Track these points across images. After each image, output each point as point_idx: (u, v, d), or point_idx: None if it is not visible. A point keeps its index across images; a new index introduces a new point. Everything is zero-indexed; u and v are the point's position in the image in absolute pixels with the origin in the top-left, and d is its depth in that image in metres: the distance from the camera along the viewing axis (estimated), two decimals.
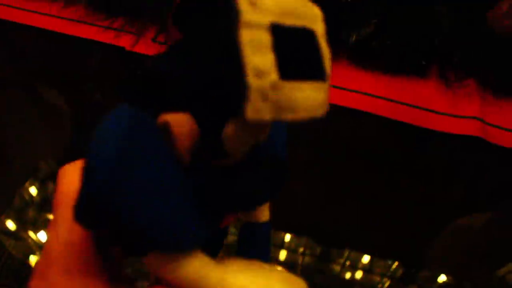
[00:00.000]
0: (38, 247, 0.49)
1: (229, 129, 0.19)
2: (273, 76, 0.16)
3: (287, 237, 0.50)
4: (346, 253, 0.49)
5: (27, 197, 0.54)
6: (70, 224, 0.21)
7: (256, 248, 0.25)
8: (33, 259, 0.47)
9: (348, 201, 0.54)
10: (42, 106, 0.66)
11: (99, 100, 0.66)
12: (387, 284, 0.47)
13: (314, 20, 0.19)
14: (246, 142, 0.20)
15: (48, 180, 0.56)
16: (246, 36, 0.16)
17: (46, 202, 0.53)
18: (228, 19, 0.16)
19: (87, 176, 0.17)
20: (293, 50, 0.17)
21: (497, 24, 0.50)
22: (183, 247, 0.20)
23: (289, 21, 0.17)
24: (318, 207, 0.53)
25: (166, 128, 0.19)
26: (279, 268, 0.26)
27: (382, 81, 0.59)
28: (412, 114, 0.56)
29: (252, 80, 0.16)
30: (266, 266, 0.24)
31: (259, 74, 0.16)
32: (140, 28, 0.69)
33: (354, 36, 0.57)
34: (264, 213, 0.28)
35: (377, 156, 0.56)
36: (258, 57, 0.16)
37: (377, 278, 0.47)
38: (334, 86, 0.59)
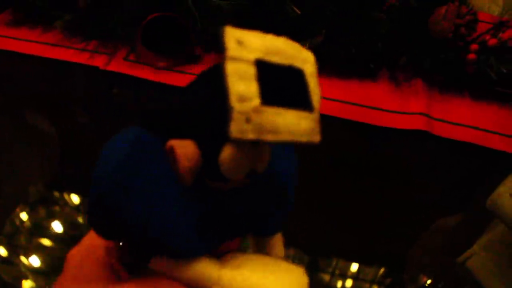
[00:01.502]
0: (30, 272, 0.49)
1: (224, 152, 0.20)
2: (256, 101, 0.17)
3: None
4: (334, 262, 0.47)
5: (17, 223, 0.54)
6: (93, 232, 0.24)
7: None
8: (25, 284, 0.47)
9: (321, 207, 0.53)
10: (28, 131, 0.65)
11: (84, 122, 0.65)
12: None
13: (303, 61, 0.20)
14: (242, 167, 0.21)
15: (39, 205, 0.56)
16: (231, 68, 0.17)
17: (36, 227, 0.53)
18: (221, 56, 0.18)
19: (94, 181, 0.19)
20: (277, 82, 0.19)
21: (436, 27, 0.48)
22: (184, 255, 0.21)
23: (275, 59, 0.19)
24: (295, 216, 0.52)
25: (170, 151, 0.20)
26: (281, 259, 0.25)
27: (336, 85, 0.58)
28: (365, 114, 0.56)
29: (235, 103, 0.17)
30: (267, 258, 0.25)
31: (242, 99, 0.17)
32: (112, 49, 0.68)
33: (307, 45, 0.56)
34: (277, 249, 0.27)
35: (340, 158, 0.56)
36: (242, 85, 0.17)
37: (367, 285, 0.46)
38: None
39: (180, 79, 0.62)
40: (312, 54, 0.21)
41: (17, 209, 0.55)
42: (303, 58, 0.20)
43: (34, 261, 0.50)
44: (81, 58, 0.68)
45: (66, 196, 0.56)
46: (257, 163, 0.21)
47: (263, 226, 0.26)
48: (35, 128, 0.66)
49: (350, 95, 0.57)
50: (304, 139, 0.19)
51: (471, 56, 0.49)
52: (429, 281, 0.46)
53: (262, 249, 0.27)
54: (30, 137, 0.64)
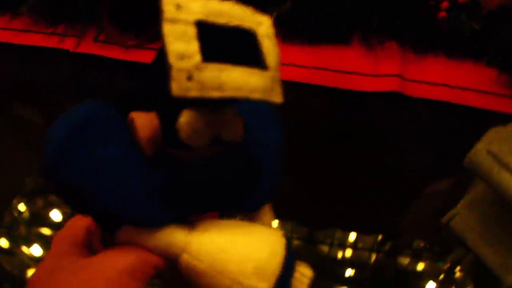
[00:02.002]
0: (33, 261, 0.52)
1: (182, 117, 0.19)
2: (196, 58, 0.17)
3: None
4: (332, 233, 0.47)
5: (16, 214, 0.56)
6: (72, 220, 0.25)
7: None
8: (30, 273, 0.51)
9: (299, 176, 0.52)
10: (18, 122, 0.66)
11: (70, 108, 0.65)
12: (373, 258, 0.46)
13: (256, 23, 0.20)
14: (202, 133, 0.20)
15: (36, 196, 0.58)
16: (168, 29, 0.17)
17: (35, 217, 0.56)
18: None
19: (45, 149, 0.19)
20: (222, 41, 0.19)
21: None
22: (148, 224, 0.21)
23: (220, 20, 0.19)
24: (288, 189, 0.50)
25: (131, 122, 0.20)
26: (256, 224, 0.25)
27: (307, 51, 0.56)
28: (338, 78, 0.55)
29: (173, 61, 0.17)
30: (240, 222, 0.24)
31: (182, 57, 0.17)
32: (81, 31, 0.66)
33: (275, 12, 0.53)
34: (264, 222, 0.26)
35: (316, 125, 0.55)
36: (181, 44, 0.17)
37: (366, 254, 0.46)
38: None
39: (151, 56, 0.60)
40: (269, 18, 0.20)
41: (15, 201, 0.58)
42: (256, 21, 0.20)
43: (36, 250, 0.54)
44: (51, 42, 0.66)
45: None
46: (222, 130, 0.21)
47: (244, 201, 0.25)
48: (24, 119, 0.67)
49: (322, 60, 0.55)
50: (256, 95, 0.18)
51: (442, 14, 0.46)
52: (422, 245, 0.47)
53: None
54: (21, 128, 0.65)
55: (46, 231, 0.54)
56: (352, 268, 0.45)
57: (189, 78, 0.17)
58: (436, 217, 0.48)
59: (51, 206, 0.56)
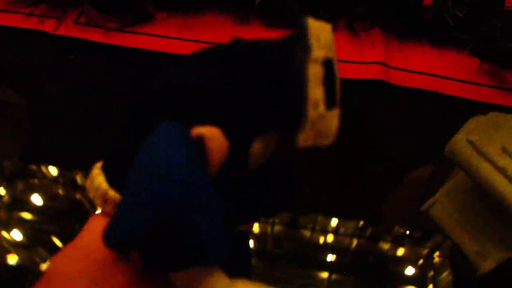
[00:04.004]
0: (13, 246, 0.52)
1: (257, 145, 0.19)
2: (322, 107, 0.17)
3: None
4: (314, 218, 0.47)
5: None
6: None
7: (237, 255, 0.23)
8: (10, 259, 0.50)
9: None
10: None
11: (51, 91, 0.63)
12: (354, 243, 0.46)
13: (334, 49, 0.19)
14: (266, 156, 0.21)
15: (15, 179, 0.57)
16: (312, 71, 0.17)
17: (16, 201, 0.55)
18: (297, 51, 0.17)
19: (152, 205, 0.16)
20: (330, 82, 0.18)
21: None
22: (218, 259, 0.19)
23: (330, 54, 0.18)
24: None
25: (200, 141, 0.18)
26: None
27: None
28: None
29: (310, 111, 0.17)
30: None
31: (315, 106, 0.17)
32: (61, 12, 0.63)
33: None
34: None
35: None
36: (316, 90, 0.17)
37: (347, 239, 0.46)
38: None
39: (132, 40, 0.59)
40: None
41: None
42: (334, 46, 0.19)
43: (16, 235, 0.52)
44: (29, 23, 0.63)
45: (43, 168, 0.57)
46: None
47: (274, 207, 0.25)
48: (3, 102, 0.64)
49: None
50: (335, 138, 0.19)
51: (428, 1, 0.45)
52: (402, 231, 0.47)
53: None
54: (0, 111, 0.63)
55: (26, 215, 0.53)
56: (333, 253, 0.46)
57: (312, 127, 0.17)
58: (416, 203, 0.47)
59: (32, 190, 0.55)
